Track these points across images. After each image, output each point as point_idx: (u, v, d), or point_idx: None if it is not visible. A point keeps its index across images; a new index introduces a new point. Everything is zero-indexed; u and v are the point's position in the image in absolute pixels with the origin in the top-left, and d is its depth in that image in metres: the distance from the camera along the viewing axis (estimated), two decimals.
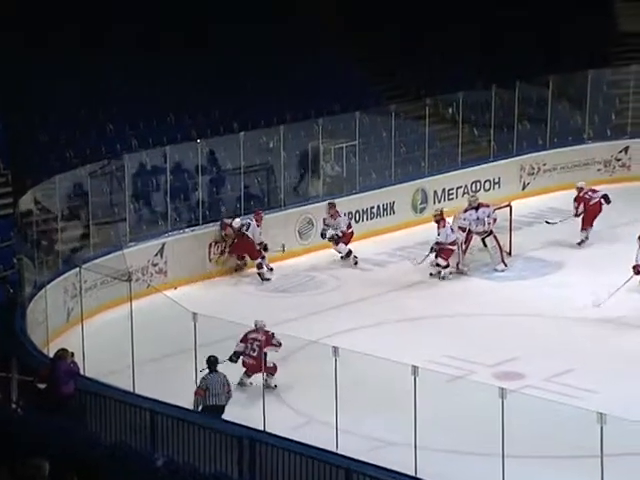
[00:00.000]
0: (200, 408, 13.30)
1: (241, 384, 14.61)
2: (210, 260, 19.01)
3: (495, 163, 23.11)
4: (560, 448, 12.38)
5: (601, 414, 10.38)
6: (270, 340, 14.54)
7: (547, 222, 20.26)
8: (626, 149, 24.25)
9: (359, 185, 21.30)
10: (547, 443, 12.52)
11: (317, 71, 23.34)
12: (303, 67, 23.28)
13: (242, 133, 19.84)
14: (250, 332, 14.63)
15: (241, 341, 14.60)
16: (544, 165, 23.59)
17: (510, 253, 19.49)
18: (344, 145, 21.27)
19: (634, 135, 24.36)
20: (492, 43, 24.93)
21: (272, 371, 14.62)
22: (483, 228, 18.96)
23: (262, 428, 12.41)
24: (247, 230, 18.73)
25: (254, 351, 14.52)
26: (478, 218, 19.01)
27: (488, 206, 19.33)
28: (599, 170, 24.08)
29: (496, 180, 22.94)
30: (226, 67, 22.51)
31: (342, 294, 18.10)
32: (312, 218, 20.33)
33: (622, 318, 16.51)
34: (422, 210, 21.91)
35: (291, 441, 11.97)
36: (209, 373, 13.40)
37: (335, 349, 12.08)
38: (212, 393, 13.26)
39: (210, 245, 19.00)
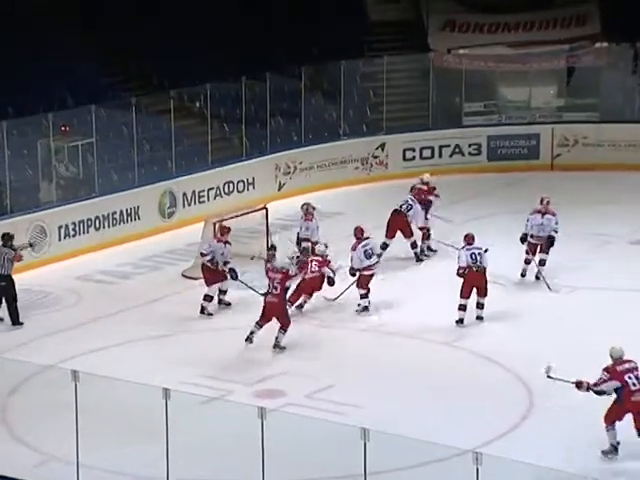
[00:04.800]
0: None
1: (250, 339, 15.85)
2: None
3: (249, 162, 23.22)
4: (323, 468, 12.49)
5: (364, 429, 10.57)
6: (288, 275, 15.88)
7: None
8: (382, 146, 24.93)
9: (98, 188, 20.89)
10: (310, 463, 12.59)
11: (45, 60, 22.63)
12: (29, 56, 22.50)
13: None
14: (269, 270, 16.02)
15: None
16: (300, 164, 23.91)
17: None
18: (79, 143, 20.81)
19: (390, 131, 25.11)
20: (240, 32, 25.04)
21: (286, 324, 15.81)
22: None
23: None
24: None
25: (275, 289, 15.69)
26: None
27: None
28: (357, 168, 24.65)
29: (250, 180, 23.06)
30: None
31: (82, 311, 17.66)
32: (45, 226, 19.77)
33: (383, 326, 16.87)
34: (170, 215, 21.73)
35: None
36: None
37: (75, 373, 11.76)
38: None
39: None
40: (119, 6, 24.25)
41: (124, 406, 13.37)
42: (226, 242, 17.66)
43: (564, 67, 26.47)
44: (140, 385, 12.28)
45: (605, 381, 13.12)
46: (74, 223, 20.26)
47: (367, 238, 17.65)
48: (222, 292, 17.77)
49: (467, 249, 16.79)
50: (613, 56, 26.46)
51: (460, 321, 16.72)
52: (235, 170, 22.90)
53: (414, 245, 19.49)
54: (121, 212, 20.92)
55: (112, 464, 12.62)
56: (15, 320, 17.00)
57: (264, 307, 16.06)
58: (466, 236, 17.22)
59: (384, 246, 19.34)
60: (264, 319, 16.04)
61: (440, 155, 25.14)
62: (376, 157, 24.87)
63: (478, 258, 16.67)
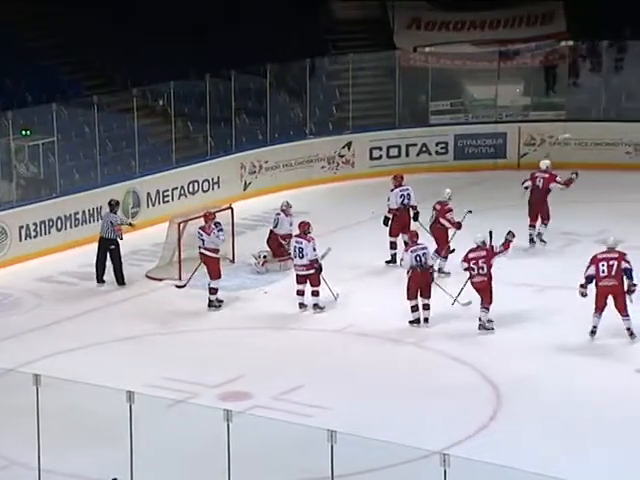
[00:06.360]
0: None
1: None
2: None
3: (213, 161, 23.11)
4: (290, 470, 12.43)
5: (331, 431, 10.52)
6: (493, 252, 16.25)
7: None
8: (349, 145, 24.91)
9: (60, 188, 20.72)
10: (276, 466, 12.53)
11: (4, 58, 22.42)
12: None
13: None
14: (471, 251, 16.32)
15: (463, 260, 16.31)
16: (266, 163, 23.83)
17: (233, 260, 19.54)
18: (40, 142, 20.63)
19: (356, 130, 25.05)
20: (204, 29, 24.94)
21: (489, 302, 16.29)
22: None
23: None
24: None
25: (482, 269, 16.09)
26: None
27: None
28: (323, 167, 24.62)
29: (215, 180, 22.95)
30: None
31: (44, 314, 17.50)
32: (5, 227, 19.57)
33: (352, 327, 16.84)
34: (134, 215, 21.58)
35: None
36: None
37: (36, 377, 11.63)
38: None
39: None
40: (81, 4, 24.07)
41: (87, 410, 13.27)
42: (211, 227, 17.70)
43: (529, 65, 26.57)
44: (103, 388, 12.14)
45: (588, 267, 15.61)
46: (35, 224, 20.07)
47: (302, 236, 17.38)
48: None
49: (412, 251, 16.73)
50: (578, 54, 26.58)
51: (416, 321, 16.70)
52: (200, 169, 22.78)
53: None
54: (83, 212, 20.75)
55: (75, 469, 12.51)
56: (121, 281, 18.55)
57: (476, 289, 16.33)
58: (410, 233, 17.24)
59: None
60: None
61: (407, 154, 25.14)
62: (342, 156, 24.84)
63: (423, 259, 16.66)
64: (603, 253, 15.75)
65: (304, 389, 14.70)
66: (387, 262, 19.11)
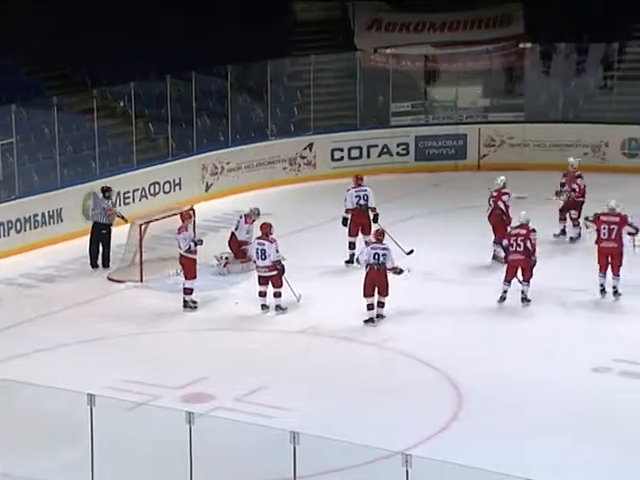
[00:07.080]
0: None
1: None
2: None
3: (175, 162, 23.03)
4: (252, 472, 12.37)
5: (294, 433, 10.49)
6: (530, 234, 16.99)
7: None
8: (310, 146, 24.90)
9: (19, 189, 20.54)
10: (239, 468, 12.44)
11: None
12: None
13: None
14: (513, 228, 17.38)
15: (506, 238, 17.33)
16: (228, 164, 23.76)
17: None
18: None
19: (318, 131, 25.06)
20: (164, 30, 24.82)
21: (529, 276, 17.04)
22: None
23: None
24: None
25: (519, 246, 16.87)
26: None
27: None
28: (285, 169, 24.58)
29: (177, 181, 22.86)
30: None
31: (4, 316, 17.30)
32: None
33: (314, 328, 16.83)
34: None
35: None
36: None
37: None
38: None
39: None
40: (40, 4, 23.89)
41: (47, 413, 13.10)
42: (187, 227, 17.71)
43: (489, 67, 26.70)
44: (63, 391, 12.04)
45: (591, 221, 17.16)
46: None
47: (264, 238, 17.29)
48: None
49: (372, 247, 16.79)
50: (537, 56, 26.73)
51: (370, 320, 16.71)
52: (161, 171, 22.68)
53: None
54: (43, 214, 20.57)
55: (34, 472, 12.36)
56: (106, 264, 19.22)
57: (513, 266, 17.08)
58: (376, 232, 17.33)
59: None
60: (510, 275, 17.13)
61: (368, 155, 25.17)
62: (304, 157, 24.81)
63: (381, 258, 16.67)
64: (605, 215, 17.08)
65: (266, 390, 14.65)
66: (346, 262, 19.10)
